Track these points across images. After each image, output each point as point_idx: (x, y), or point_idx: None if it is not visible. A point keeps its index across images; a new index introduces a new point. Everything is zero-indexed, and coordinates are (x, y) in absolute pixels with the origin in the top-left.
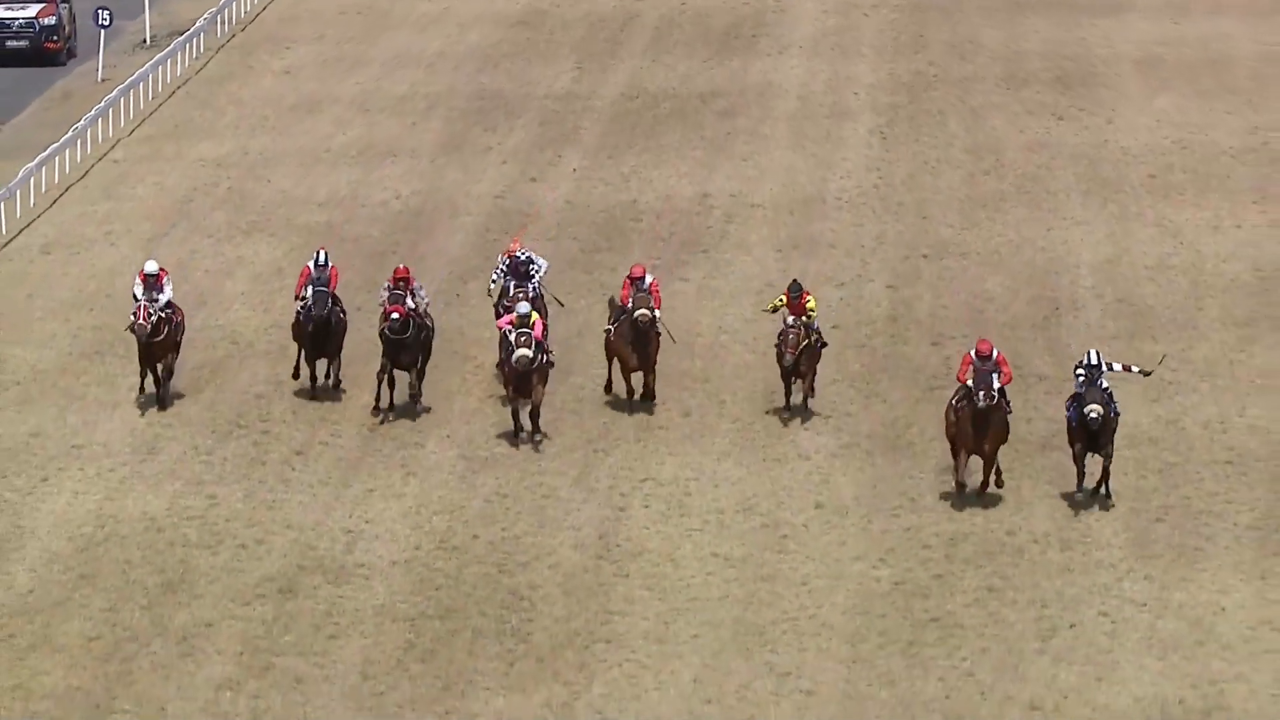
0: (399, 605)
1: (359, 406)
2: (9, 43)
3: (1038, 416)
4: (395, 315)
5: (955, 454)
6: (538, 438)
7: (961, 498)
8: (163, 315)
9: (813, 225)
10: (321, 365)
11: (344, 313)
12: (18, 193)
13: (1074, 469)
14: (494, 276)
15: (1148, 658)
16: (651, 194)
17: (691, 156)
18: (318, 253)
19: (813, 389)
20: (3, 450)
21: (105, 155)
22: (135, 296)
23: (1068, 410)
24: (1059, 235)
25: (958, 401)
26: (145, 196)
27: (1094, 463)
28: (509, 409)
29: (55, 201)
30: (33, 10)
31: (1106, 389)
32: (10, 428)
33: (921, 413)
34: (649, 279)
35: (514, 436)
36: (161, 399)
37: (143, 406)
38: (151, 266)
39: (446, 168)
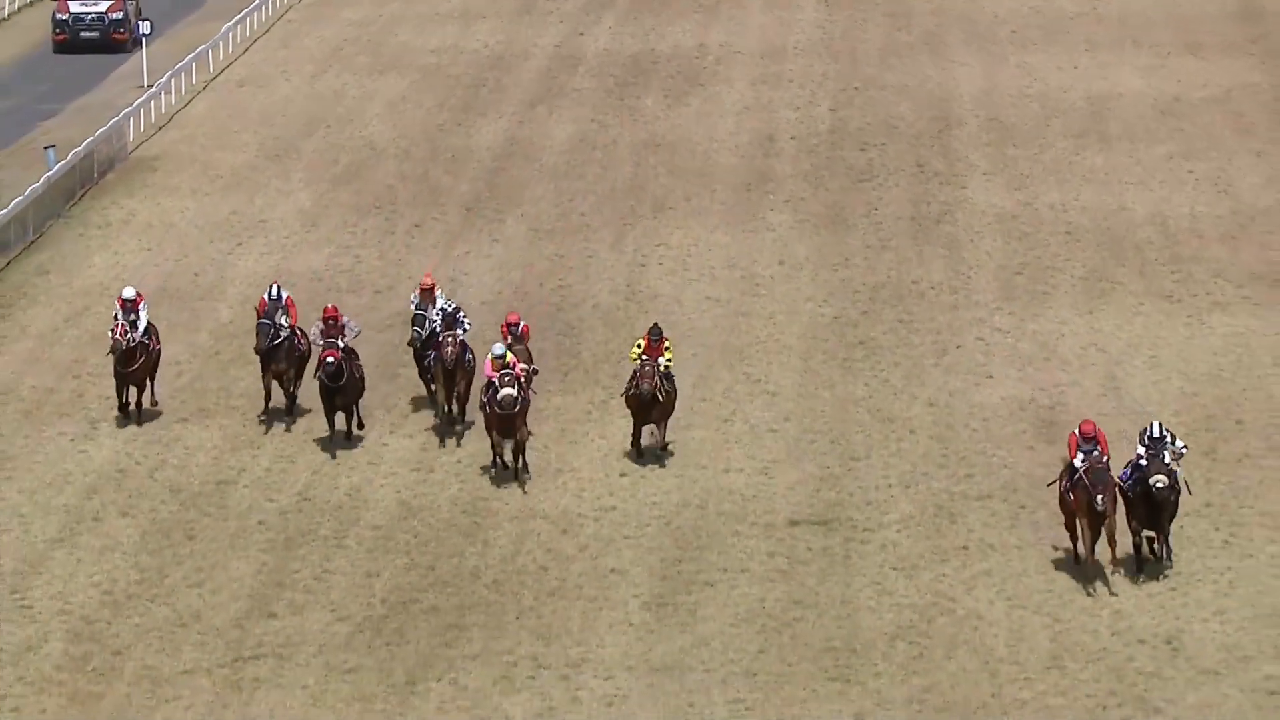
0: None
1: (459, 193)
2: (83, 34)
3: (934, 200)
4: (330, 360)
5: (1071, 528)
6: (525, 477)
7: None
8: (143, 342)
9: (777, 67)
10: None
11: (301, 341)
12: (220, 43)
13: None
14: (412, 304)
15: (1010, 369)
16: (665, 44)
17: (693, 18)
18: (271, 286)
19: (665, 433)
20: (209, 224)
21: (282, 16)
22: (116, 317)
23: (1124, 482)
24: (949, 73)
25: (1073, 484)
26: (310, 46)
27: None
28: (490, 445)
29: (247, 49)
30: (103, 6)
31: (1170, 465)
32: (214, 208)
33: (852, 198)
34: (521, 324)
35: (499, 468)
36: (140, 413)
37: (121, 418)
38: (129, 292)
39: (519, 26)
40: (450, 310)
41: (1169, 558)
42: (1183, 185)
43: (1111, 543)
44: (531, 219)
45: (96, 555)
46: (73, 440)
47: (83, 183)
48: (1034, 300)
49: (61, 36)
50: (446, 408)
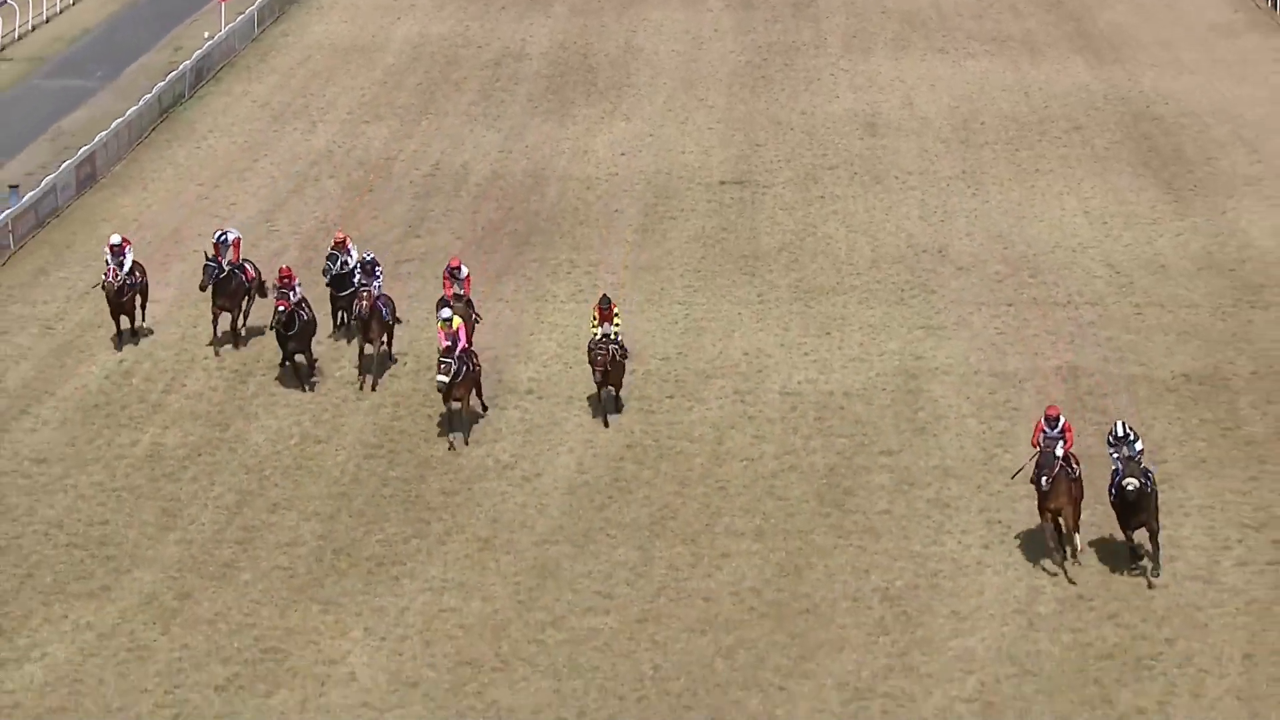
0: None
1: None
2: None
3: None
4: (281, 309)
5: (1042, 517)
6: (461, 432)
7: None
8: (127, 280)
9: None
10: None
11: (249, 280)
12: None
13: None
14: (326, 266)
15: (849, 93)
16: None
17: None
18: (218, 232)
19: (620, 393)
20: (378, 8)
21: None
22: (106, 261)
23: (1111, 491)
24: None
25: (1040, 475)
26: None
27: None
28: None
29: None
30: None
31: (1144, 465)
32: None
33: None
34: (464, 270)
35: (449, 434)
36: (135, 335)
37: (117, 341)
38: (115, 239)
39: None
40: (369, 260)
41: (1157, 564)
42: None
43: (1070, 527)
44: (570, 4)
45: (314, 203)
46: (301, 133)
47: None
48: (864, 52)
49: None
50: (360, 359)
